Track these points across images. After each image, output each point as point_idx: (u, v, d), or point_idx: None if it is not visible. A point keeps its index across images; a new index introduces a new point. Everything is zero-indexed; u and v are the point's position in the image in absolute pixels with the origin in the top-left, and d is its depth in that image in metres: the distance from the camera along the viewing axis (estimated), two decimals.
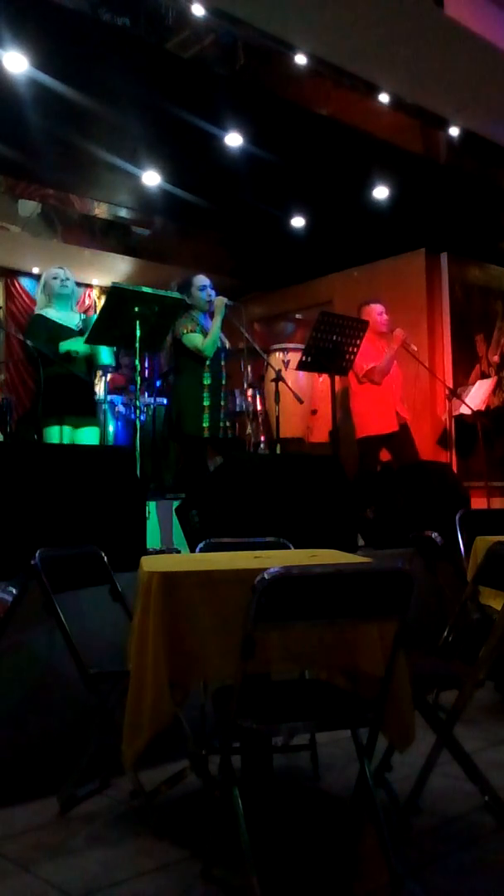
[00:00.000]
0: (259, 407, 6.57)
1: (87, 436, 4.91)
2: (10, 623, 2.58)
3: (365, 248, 7.74)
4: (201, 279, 5.12)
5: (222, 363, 5.10)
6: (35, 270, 8.90)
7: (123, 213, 7.49)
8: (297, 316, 8.86)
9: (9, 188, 6.82)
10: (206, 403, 4.94)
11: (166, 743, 2.20)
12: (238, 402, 6.31)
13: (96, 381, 6.48)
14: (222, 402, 5.07)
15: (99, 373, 6.34)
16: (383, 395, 5.82)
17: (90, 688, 2.39)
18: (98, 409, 6.03)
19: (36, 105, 5.19)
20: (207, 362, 4.97)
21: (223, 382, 5.10)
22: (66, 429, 4.78)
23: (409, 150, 6.51)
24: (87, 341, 4.71)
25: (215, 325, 4.95)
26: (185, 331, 4.93)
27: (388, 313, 6.02)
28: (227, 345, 5.21)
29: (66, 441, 4.78)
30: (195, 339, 4.91)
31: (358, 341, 5.05)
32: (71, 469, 3.24)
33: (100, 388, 6.41)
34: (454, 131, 6.26)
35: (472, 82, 5.99)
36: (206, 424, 4.93)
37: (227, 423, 5.22)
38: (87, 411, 4.96)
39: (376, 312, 5.91)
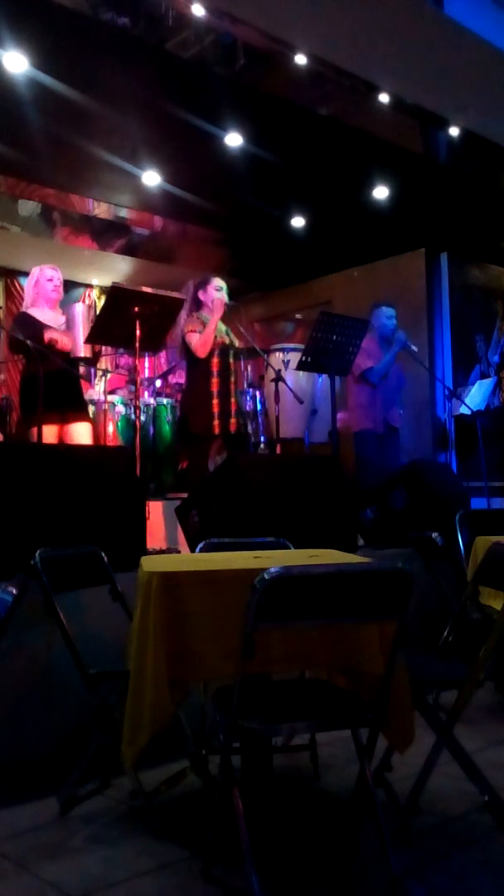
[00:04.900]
0: (259, 407, 6.58)
1: (80, 432, 4.91)
2: (10, 623, 2.58)
3: (365, 248, 7.74)
4: (219, 281, 5.17)
5: (230, 361, 5.11)
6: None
7: (123, 213, 7.49)
8: (297, 316, 8.86)
9: (9, 188, 6.82)
10: (215, 401, 4.96)
11: (166, 743, 2.20)
12: (244, 400, 6.33)
13: (96, 382, 6.48)
14: (232, 399, 5.09)
15: (99, 373, 6.33)
16: (380, 395, 5.84)
17: (90, 688, 2.39)
18: (98, 407, 6.03)
19: (36, 105, 5.19)
20: (215, 359, 4.98)
21: (232, 380, 5.11)
22: (58, 425, 4.81)
23: (409, 150, 6.50)
24: (86, 341, 4.71)
25: (210, 325, 4.97)
26: (186, 330, 4.97)
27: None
28: (237, 343, 5.23)
29: (60, 437, 4.79)
30: (192, 340, 4.94)
31: (358, 341, 5.05)
32: (71, 469, 3.23)
33: (100, 388, 6.41)
34: (454, 131, 6.26)
35: (472, 82, 5.99)
36: (216, 422, 4.95)
37: (241, 421, 5.25)
38: (79, 407, 4.97)
39: (385, 317, 5.96)
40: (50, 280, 4.91)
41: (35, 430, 4.64)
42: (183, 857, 2.13)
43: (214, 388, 4.98)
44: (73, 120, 5.39)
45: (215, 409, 4.96)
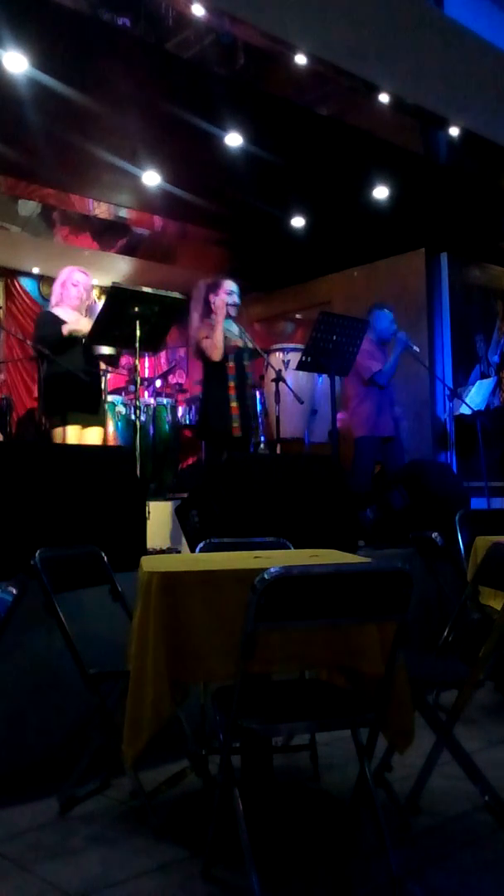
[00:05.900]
0: (259, 407, 6.58)
1: (92, 436, 4.91)
2: (10, 623, 2.58)
3: (365, 248, 7.74)
4: (230, 284, 5.14)
5: (245, 363, 5.12)
6: (35, 270, 8.90)
7: (123, 213, 7.49)
8: (297, 316, 8.86)
9: (9, 188, 6.82)
10: (233, 404, 4.98)
11: (166, 743, 2.20)
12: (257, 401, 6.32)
13: None
14: (248, 402, 5.10)
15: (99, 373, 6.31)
16: (383, 399, 5.84)
17: (90, 688, 2.40)
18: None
19: (36, 105, 5.19)
20: (230, 363, 4.98)
21: (248, 382, 5.12)
22: (74, 428, 4.80)
23: (409, 150, 6.50)
24: (87, 341, 4.71)
25: (216, 328, 4.96)
26: (200, 336, 4.98)
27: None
28: (251, 344, 5.22)
29: (73, 441, 4.78)
30: (206, 346, 4.95)
31: (358, 341, 5.05)
32: (71, 469, 3.23)
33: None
34: (454, 131, 6.26)
35: (472, 82, 5.99)
36: (235, 424, 4.97)
37: (255, 424, 5.26)
38: (93, 410, 4.97)
39: (388, 321, 5.96)
40: (76, 285, 4.94)
41: (56, 432, 4.71)
42: (183, 857, 2.13)
43: (232, 392, 5.00)
44: (73, 120, 5.39)
45: (234, 412, 4.99)
